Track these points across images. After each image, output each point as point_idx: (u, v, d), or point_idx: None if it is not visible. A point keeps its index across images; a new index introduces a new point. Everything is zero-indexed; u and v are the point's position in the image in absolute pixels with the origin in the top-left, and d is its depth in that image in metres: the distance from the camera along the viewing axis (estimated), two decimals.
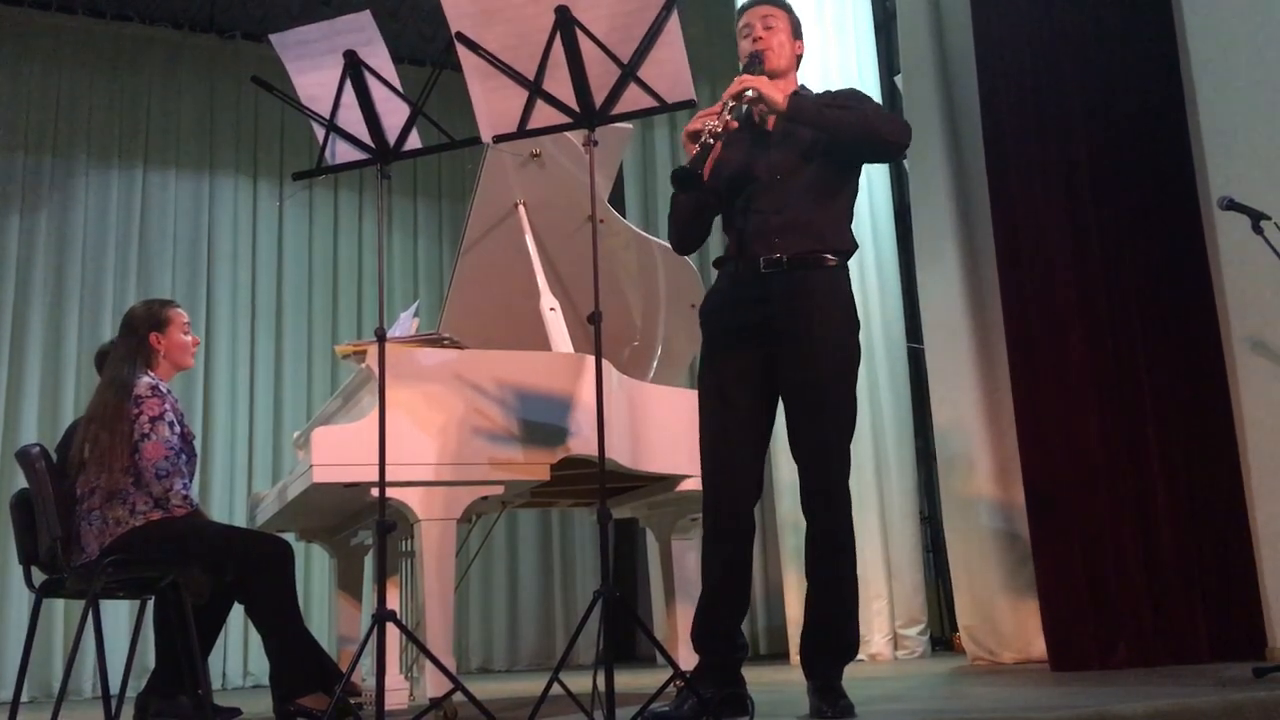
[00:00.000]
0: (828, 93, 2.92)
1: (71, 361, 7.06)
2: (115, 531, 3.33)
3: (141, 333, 3.64)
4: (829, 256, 2.80)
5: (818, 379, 2.72)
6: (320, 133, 2.90)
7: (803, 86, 2.96)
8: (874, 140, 2.79)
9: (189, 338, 3.73)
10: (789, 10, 2.99)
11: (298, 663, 3.31)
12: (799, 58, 2.98)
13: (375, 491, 2.78)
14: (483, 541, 5.55)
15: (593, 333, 2.60)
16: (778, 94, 2.74)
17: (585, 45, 2.55)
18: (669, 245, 3.18)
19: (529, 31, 2.56)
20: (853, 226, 2.93)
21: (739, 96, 2.73)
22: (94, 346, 4.91)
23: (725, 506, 2.77)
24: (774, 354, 2.76)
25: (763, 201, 2.81)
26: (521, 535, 8.07)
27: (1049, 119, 4.29)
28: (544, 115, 2.64)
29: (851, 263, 6.37)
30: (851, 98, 2.89)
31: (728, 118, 2.67)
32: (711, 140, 2.63)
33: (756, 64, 2.84)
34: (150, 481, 3.40)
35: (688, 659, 2.88)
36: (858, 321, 2.85)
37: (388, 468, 2.77)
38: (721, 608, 2.78)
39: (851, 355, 2.80)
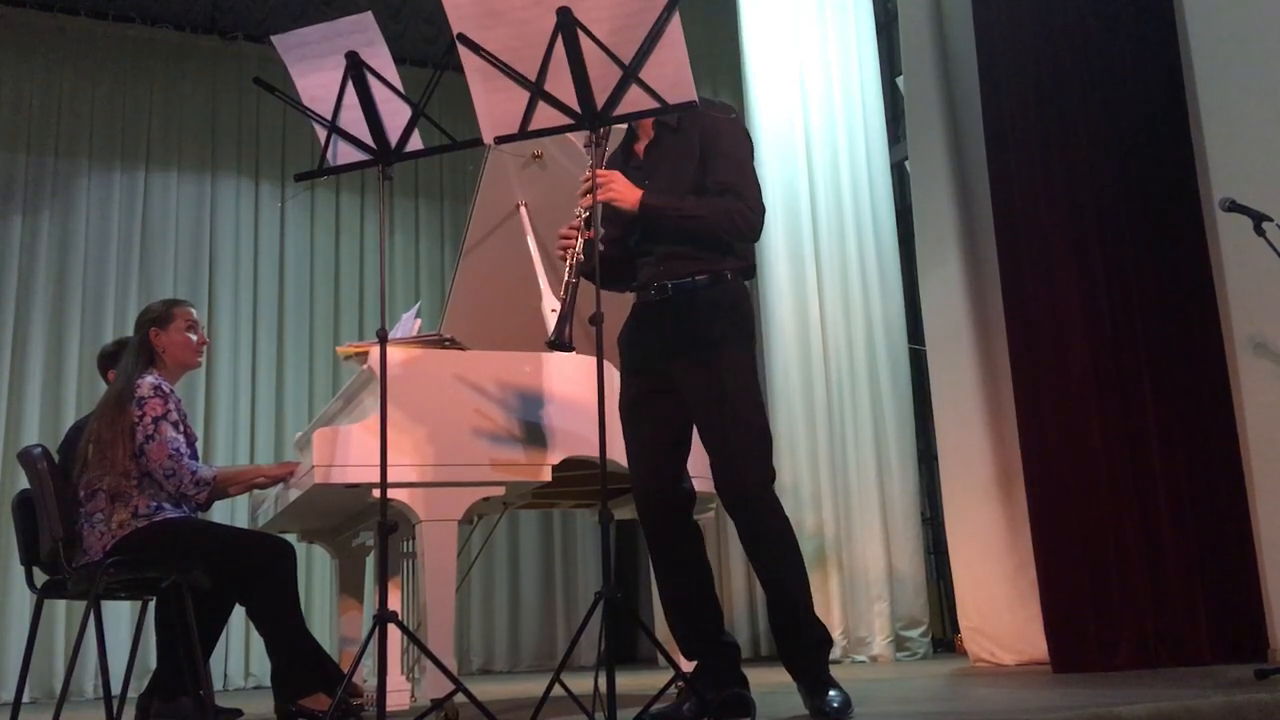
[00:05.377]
0: (703, 141, 2.79)
1: (73, 362, 7.06)
2: (117, 533, 3.33)
3: (144, 330, 3.65)
4: (718, 274, 2.79)
5: (707, 394, 2.74)
6: (322, 134, 2.90)
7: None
8: (717, 245, 2.78)
9: (194, 337, 3.71)
10: None
11: (299, 663, 3.31)
12: None
13: (377, 492, 2.78)
14: (484, 543, 5.55)
15: (594, 334, 2.60)
16: (630, 199, 2.72)
17: (587, 46, 2.55)
18: None
19: (531, 33, 2.56)
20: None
21: (590, 208, 2.70)
22: (96, 348, 4.91)
23: (657, 514, 2.83)
24: (671, 374, 2.79)
25: (647, 237, 2.84)
26: (523, 536, 8.07)
27: (1051, 120, 4.29)
28: (545, 116, 2.64)
29: (853, 264, 6.44)
30: (719, 168, 2.76)
31: (585, 234, 2.66)
32: (575, 280, 2.65)
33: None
34: (161, 482, 3.41)
35: (689, 661, 2.89)
36: (752, 332, 2.84)
37: (389, 469, 2.77)
38: (685, 608, 2.83)
39: (744, 365, 2.78)
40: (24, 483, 3.53)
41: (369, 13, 2.76)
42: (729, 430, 2.71)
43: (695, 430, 2.85)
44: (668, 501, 2.83)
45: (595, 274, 2.61)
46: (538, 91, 2.61)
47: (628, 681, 4.01)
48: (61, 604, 6.45)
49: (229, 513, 6.37)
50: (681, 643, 2.86)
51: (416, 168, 8.28)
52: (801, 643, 2.72)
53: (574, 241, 2.67)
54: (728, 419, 2.71)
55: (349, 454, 3.16)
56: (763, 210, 2.81)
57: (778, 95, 6.25)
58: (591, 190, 2.65)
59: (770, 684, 3.44)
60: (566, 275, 2.67)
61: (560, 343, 2.64)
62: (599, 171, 2.68)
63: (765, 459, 2.74)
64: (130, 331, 4.01)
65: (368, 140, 2.87)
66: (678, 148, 2.84)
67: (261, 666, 6.80)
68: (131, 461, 3.39)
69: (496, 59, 2.59)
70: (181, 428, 3.53)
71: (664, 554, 2.85)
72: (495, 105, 2.65)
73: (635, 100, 2.58)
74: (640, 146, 2.93)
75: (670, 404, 2.81)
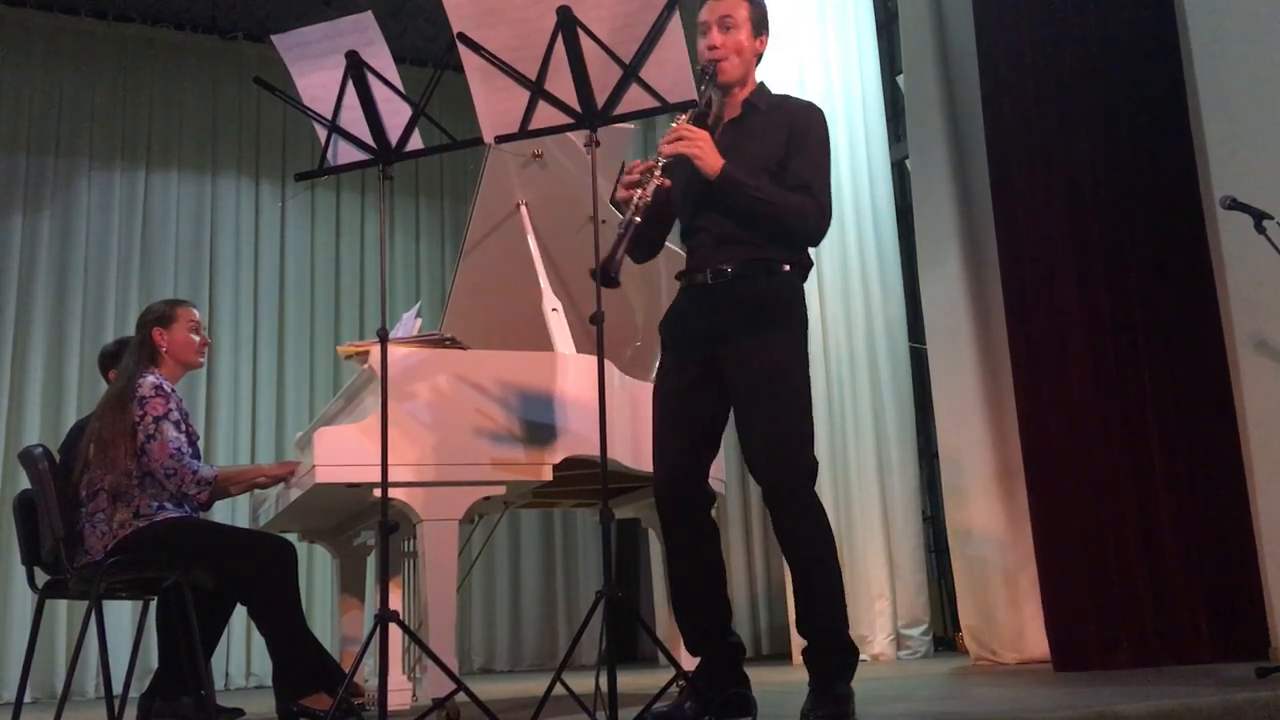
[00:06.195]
0: (790, 135, 2.77)
1: (74, 362, 7.06)
2: (118, 533, 3.34)
3: (146, 329, 3.66)
4: (774, 265, 2.76)
5: (754, 378, 2.69)
6: (322, 133, 2.90)
7: (761, 85, 2.90)
8: (779, 237, 2.75)
9: (197, 337, 3.72)
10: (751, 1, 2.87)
11: (300, 663, 3.32)
12: (760, 55, 2.91)
13: (377, 492, 2.78)
14: (485, 542, 5.55)
15: (595, 333, 2.60)
16: (712, 163, 2.67)
17: (587, 45, 2.55)
18: (670, 246, 3.18)
19: (531, 32, 2.56)
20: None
21: (673, 157, 2.67)
22: (96, 348, 4.91)
23: (675, 509, 2.80)
24: (718, 358, 2.75)
25: (708, 217, 2.80)
26: (524, 536, 8.08)
27: (1051, 118, 4.29)
28: (546, 116, 2.64)
29: (853, 262, 6.42)
30: (801, 165, 2.75)
31: (658, 179, 2.63)
32: (638, 218, 2.60)
33: (708, 78, 2.78)
34: (163, 481, 3.41)
35: (690, 659, 2.89)
36: (803, 323, 2.80)
37: (390, 468, 2.77)
38: (695, 605, 2.82)
39: (793, 353, 2.74)
40: (25, 483, 3.53)
41: (369, 12, 2.76)
42: (768, 418, 2.67)
43: (725, 430, 2.81)
44: (688, 498, 2.79)
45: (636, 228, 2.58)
46: (538, 91, 2.61)
47: (629, 680, 4.01)
48: (63, 604, 6.45)
49: (230, 512, 6.37)
50: (687, 638, 2.84)
51: (416, 167, 8.28)
52: (821, 644, 2.68)
53: (641, 183, 2.63)
54: (774, 407, 2.67)
55: (350, 454, 3.16)
56: (830, 218, 2.78)
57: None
58: (677, 140, 2.64)
59: (771, 683, 3.45)
60: (629, 214, 2.59)
61: (607, 276, 2.54)
62: (686, 127, 2.66)
63: (809, 451, 2.69)
64: (131, 331, 4.01)
65: (368, 140, 2.87)
66: (762, 129, 2.80)
67: (263, 666, 6.80)
68: (133, 461, 3.39)
69: (496, 58, 2.59)
70: (183, 427, 3.53)
71: (680, 550, 2.82)
72: (495, 104, 2.65)
73: (635, 99, 2.59)
74: (720, 130, 2.85)
75: (711, 396, 2.76)
